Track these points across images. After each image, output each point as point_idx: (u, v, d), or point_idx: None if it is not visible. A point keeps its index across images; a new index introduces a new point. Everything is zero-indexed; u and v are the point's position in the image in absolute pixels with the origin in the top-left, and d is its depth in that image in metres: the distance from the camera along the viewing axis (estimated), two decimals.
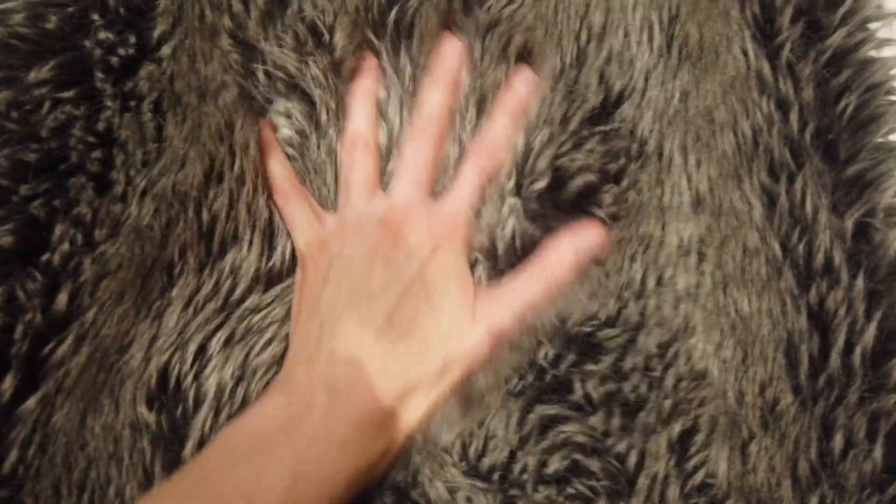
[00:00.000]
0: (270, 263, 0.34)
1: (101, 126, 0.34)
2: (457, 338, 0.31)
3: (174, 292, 0.33)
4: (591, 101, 0.35)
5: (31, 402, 0.31)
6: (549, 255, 0.33)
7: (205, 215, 0.34)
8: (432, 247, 0.32)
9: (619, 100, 0.35)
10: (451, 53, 0.35)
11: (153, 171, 0.35)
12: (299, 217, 0.34)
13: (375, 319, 0.30)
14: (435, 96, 0.35)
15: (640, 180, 0.34)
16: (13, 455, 0.30)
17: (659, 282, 0.33)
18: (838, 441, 0.30)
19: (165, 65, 0.36)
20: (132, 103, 0.35)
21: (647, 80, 0.35)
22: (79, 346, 0.32)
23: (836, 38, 0.34)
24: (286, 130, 0.36)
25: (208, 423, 0.31)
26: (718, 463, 0.30)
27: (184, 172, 0.35)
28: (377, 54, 0.36)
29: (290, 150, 0.36)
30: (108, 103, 0.35)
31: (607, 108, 0.35)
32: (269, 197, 0.35)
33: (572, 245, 0.33)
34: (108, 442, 0.31)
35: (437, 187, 0.35)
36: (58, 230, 0.33)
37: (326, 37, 0.36)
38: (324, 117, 0.36)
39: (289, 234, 0.35)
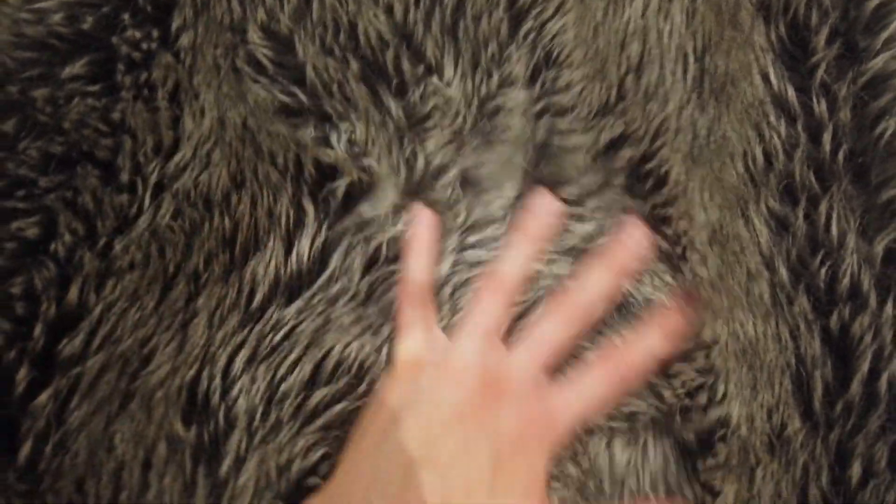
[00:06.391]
0: (290, 269, 0.33)
1: (115, 116, 0.34)
2: None
3: (199, 302, 0.32)
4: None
5: (43, 396, 0.30)
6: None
7: (227, 221, 0.33)
8: (517, 439, 0.30)
9: (656, 138, 0.34)
10: (634, 241, 0.33)
11: (169, 164, 0.34)
12: (412, 329, 0.32)
13: (430, 495, 0.28)
14: (599, 279, 0.32)
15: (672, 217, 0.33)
16: (27, 447, 0.30)
17: None
18: (856, 470, 0.30)
19: (183, 55, 0.36)
20: (145, 91, 0.35)
21: (679, 117, 0.34)
22: (89, 344, 0.32)
23: (878, 62, 0.33)
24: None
25: (243, 446, 0.30)
26: (725, 485, 0.30)
27: (207, 173, 0.34)
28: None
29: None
30: (124, 94, 0.35)
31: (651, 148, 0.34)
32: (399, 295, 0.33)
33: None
34: (141, 449, 0.31)
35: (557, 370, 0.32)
36: (62, 220, 0.32)
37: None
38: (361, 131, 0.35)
39: (312, 237, 0.33)
